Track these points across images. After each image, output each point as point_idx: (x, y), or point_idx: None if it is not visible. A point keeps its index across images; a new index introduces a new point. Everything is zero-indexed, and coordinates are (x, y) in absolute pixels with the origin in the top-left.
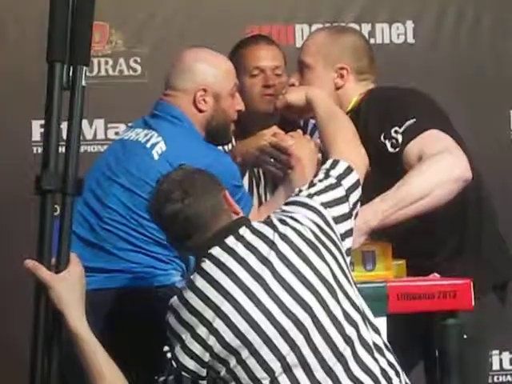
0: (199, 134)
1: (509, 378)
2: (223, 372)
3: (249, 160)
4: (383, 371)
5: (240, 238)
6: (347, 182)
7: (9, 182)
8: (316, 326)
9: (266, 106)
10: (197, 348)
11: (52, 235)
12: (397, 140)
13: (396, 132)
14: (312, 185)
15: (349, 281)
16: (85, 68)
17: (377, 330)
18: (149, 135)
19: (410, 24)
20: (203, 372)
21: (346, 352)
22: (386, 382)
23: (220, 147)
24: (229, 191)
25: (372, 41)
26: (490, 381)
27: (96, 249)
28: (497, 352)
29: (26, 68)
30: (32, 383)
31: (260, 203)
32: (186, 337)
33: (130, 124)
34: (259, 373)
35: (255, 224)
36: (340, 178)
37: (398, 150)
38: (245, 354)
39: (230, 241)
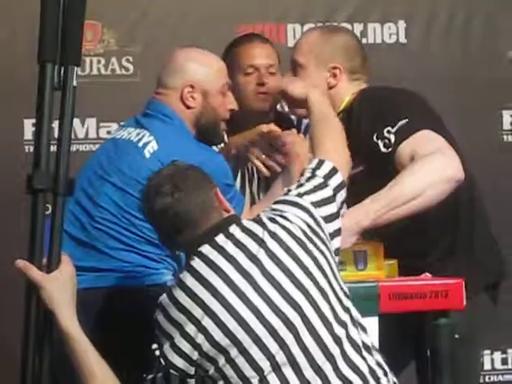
0: (190, 132)
1: (500, 377)
2: (212, 370)
3: (242, 152)
4: (371, 370)
5: (230, 236)
6: (334, 181)
7: (0, 180)
8: (306, 326)
9: (260, 104)
10: (185, 346)
11: (43, 235)
12: (389, 140)
13: (389, 132)
14: (300, 184)
15: (337, 280)
16: (76, 68)
17: (365, 330)
18: (141, 134)
19: (402, 24)
20: (192, 370)
21: (335, 351)
22: (374, 381)
23: (214, 147)
24: (220, 190)
25: (364, 40)
26: (481, 380)
27: (87, 248)
28: (488, 352)
29: (17, 68)
30: (23, 383)
31: (253, 201)
32: (175, 335)
33: (122, 123)
34: (248, 371)
35: (245, 222)
36: (327, 177)
37: (390, 150)
38: (234, 352)
39: (220, 239)
